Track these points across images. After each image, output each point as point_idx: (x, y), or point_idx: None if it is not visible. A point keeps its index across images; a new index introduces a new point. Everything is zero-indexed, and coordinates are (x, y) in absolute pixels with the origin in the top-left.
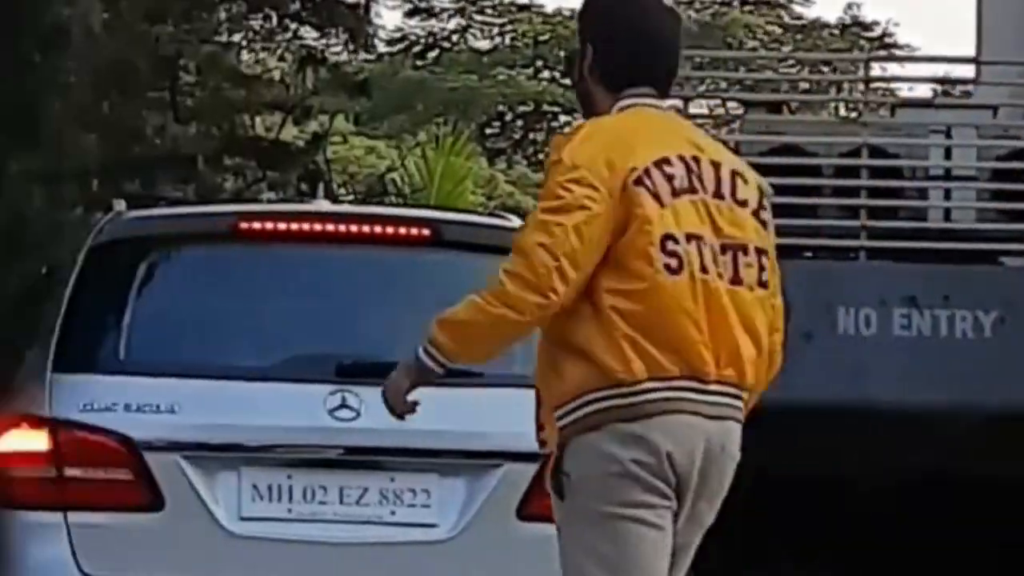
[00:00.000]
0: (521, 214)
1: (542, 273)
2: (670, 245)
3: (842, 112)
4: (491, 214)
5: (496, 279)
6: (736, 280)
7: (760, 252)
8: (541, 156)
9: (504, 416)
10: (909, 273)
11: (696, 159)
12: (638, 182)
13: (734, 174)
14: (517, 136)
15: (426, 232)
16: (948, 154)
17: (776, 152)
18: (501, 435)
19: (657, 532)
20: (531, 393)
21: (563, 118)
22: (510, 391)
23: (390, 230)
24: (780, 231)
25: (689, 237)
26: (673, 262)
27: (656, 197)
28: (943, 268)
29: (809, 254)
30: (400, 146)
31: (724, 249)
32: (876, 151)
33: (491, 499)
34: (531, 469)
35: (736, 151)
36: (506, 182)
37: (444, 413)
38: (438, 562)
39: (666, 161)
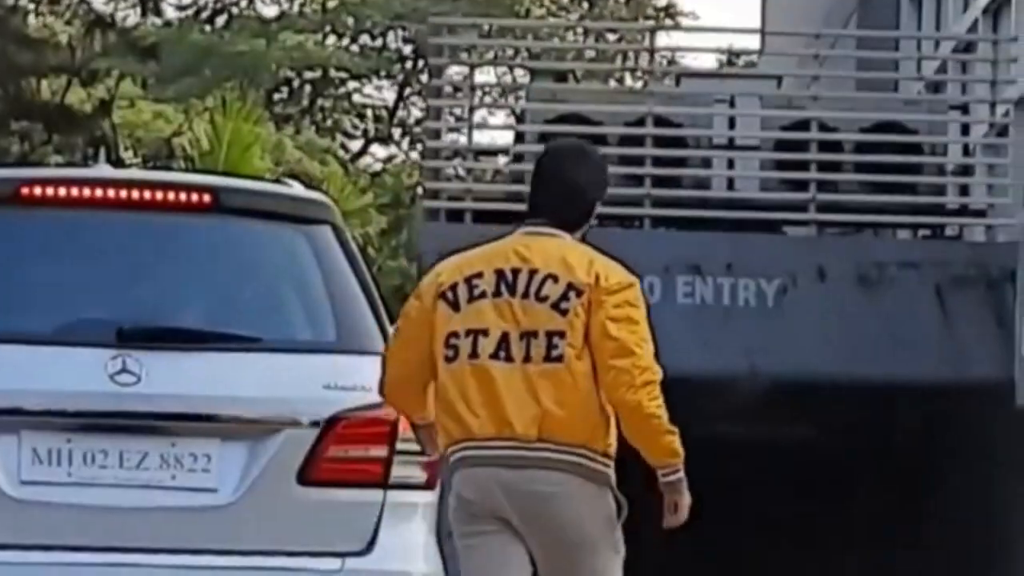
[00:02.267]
0: (308, 180)
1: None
2: (452, 340)
3: (628, 81)
4: (275, 180)
5: None
6: (527, 359)
7: (551, 335)
8: (329, 122)
9: (285, 382)
10: (693, 241)
11: (516, 270)
12: (441, 295)
13: (546, 278)
14: (305, 102)
15: (207, 198)
16: (732, 124)
17: (562, 120)
18: (282, 401)
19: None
20: (312, 358)
21: (351, 84)
22: (291, 357)
23: (171, 196)
24: None
25: (469, 332)
26: (451, 353)
27: (453, 305)
28: (726, 237)
29: (594, 222)
30: (188, 111)
31: (522, 336)
32: (661, 120)
33: (271, 464)
34: (311, 435)
35: (520, 119)
36: (294, 148)
37: (225, 379)
38: (218, 526)
39: (478, 275)
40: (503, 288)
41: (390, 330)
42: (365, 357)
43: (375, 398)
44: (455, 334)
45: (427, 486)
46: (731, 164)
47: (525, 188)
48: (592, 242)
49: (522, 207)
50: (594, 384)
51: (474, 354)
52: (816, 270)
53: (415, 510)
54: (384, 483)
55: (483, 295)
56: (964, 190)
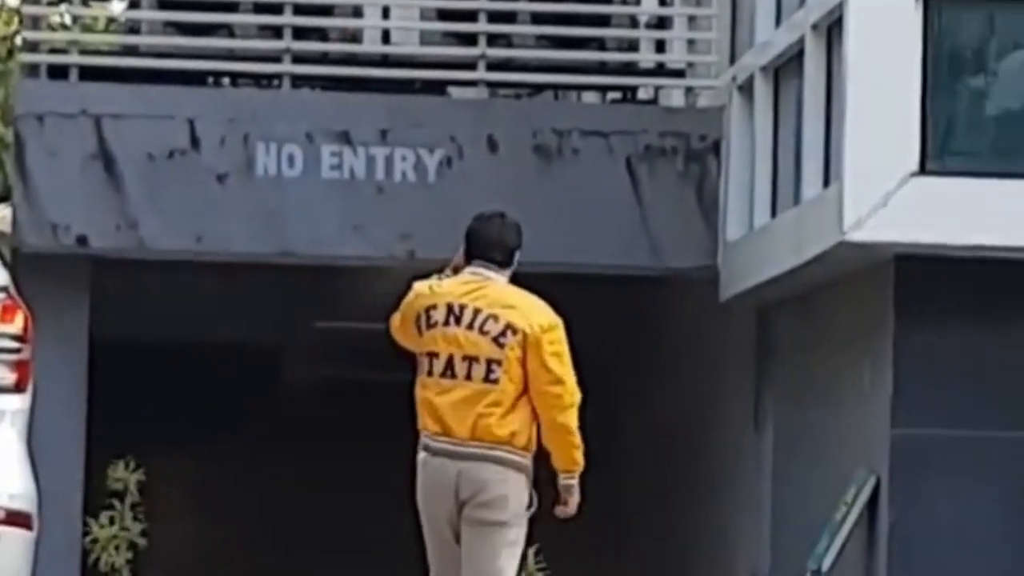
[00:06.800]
0: None
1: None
2: (420, 358)
3: None
4: None
5: None
6: (468, 377)
7: (491, 362)
8: None
9: None
10: (340, 104)
11: (462, 306)
12: (416, 319)
13: (488, 317)
14: None
15: None
16: None
17: None
18: None
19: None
20: None
21: None
22: None
23: None
24: (200, 55)
25: (427, 354)
26: (419, 368)
27: (419, 329)
28: (380, 99)
29: (226, 80)
30: None
31: (465, 358)
32: None
33: None
34: None
35: None
36: None
37: None
38: None
39: (433, 307)
40: (451, 319)
41: None
42: None
43: None
44: (421, 353)
45: (17, 389)
46: (386, 13)
47: (143, 40)
48: (221, 104)
49: (139, 62)
50: (521, 399)
51: (430, 372)
52: (486, 139)
53: (2, 417)
54: None
55: (435, 324)
56: (660, 46)
